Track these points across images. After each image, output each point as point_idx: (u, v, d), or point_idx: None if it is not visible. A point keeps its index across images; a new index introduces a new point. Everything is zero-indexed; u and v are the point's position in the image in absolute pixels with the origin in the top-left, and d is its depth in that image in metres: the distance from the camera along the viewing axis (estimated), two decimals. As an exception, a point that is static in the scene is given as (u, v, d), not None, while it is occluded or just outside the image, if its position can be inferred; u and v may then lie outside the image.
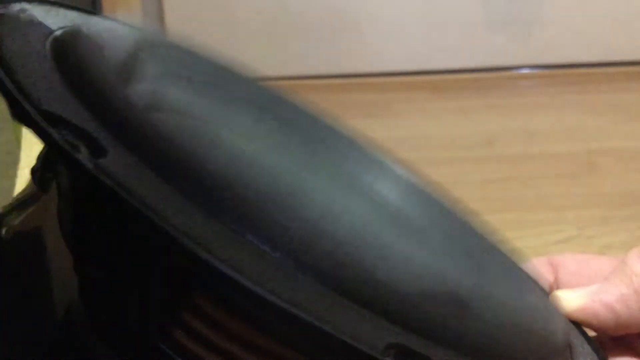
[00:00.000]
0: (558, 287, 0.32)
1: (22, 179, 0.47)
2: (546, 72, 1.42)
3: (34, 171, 0.25)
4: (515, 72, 1.42)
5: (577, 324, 0.30)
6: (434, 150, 1.09)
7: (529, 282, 0.31)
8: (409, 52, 1.41)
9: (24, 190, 0.27)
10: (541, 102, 1.29)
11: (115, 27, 0.26)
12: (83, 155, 0.19)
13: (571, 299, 0.30)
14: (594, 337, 0.31)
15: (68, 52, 0.22)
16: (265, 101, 0.31)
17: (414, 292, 0.22)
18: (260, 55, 1.38)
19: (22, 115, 0.19)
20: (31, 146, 0.40)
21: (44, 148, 0.25)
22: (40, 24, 0.23)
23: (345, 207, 0.27)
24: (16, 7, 0.23)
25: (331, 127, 0.33)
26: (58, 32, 0.24)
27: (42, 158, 0.25)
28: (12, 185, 0.47)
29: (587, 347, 0.29)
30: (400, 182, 0.32)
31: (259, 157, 0.25)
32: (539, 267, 0.33)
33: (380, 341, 0.19)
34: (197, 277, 0.19)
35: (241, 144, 0.25)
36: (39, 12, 0.24)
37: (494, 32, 1.42)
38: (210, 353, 0.20)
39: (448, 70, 1.41)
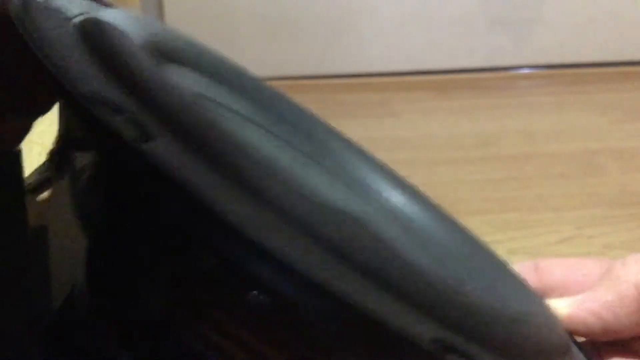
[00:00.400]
0: (544, 293, 0.32)
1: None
2: (546, 72, 1.42)
3: (52, 154, 0.25)
4: (515, 72, 1.42)
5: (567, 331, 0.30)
6: (434, 150, 1.09)
7: (526, 286, 0.31)
8: (409, 52, 1.41)
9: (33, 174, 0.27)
10: (541, 102, 1.29)
11: (130, 16, 0.26)
12: (133, 138, 0.18)
13: (558, 308, 0.30)
14: (587, 340, 0.31)
15: (95, 37, 0.22)
16: (268, 100, 0.31)
17: (452, 289, 0.22)
18: (259, 55, 1.38)
19: (66, 98, 0.19)
20: (31, 146, 0.40)
21: (61, 131, 0.24)
22: (58, 10, 0.23)
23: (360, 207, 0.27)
24: None
25: (331, 132, 0.34)
26: (80, 18, 0.23)
27: (61, 141, 0.25)
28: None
29: (579, 354, 0.29)
30: (404, 190, 0.33)
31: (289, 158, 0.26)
32: (524, 272, 0.33)
33: (425, 335, 0.19)
34: (247, 269, 0.19)
35: (269, 143, 0.25)
36: None
37: (494, 32, 1.42)
38: (240, 351, 0.20)
39: (448, 70, 1.41)
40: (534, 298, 0.29)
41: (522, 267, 0.33)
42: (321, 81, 1.37)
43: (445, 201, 0.34)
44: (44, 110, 0.24)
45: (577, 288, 0.31)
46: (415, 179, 0.34)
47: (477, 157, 1.06)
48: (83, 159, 0.26)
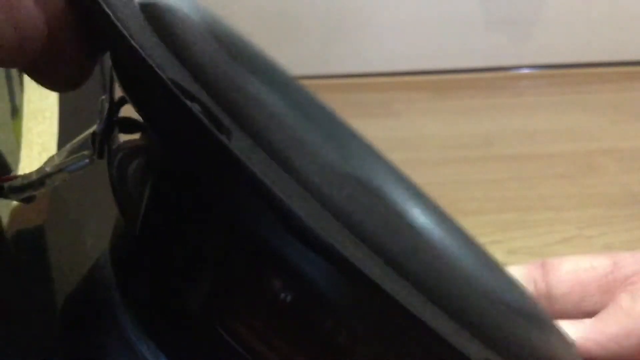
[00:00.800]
0: (549, 292, 0.32)
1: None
2: (546, 72, 1.42)
3: (95, 134, 0.24)
4: (515, 72, 1.43)
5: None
6: (434, 150, 1.09)
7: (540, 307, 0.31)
8: (408, 52, 1.41)
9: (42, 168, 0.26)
10: (541, 102, 1.29)
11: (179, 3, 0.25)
12: (208, 127, 0.18)
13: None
14: None
15: (161, 23, 0.21)
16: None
17: (496, 310, 0.21)
18: (260, 55, 1.38)
19: (151, 81, 0.18)
20: (31, 146, 0.40)
21: (109, 110, 0.24)
22: None
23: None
24: None
25: (347, 127, 0.34)
26: (140, 1, 0.22)
27: (107, 121, 0.24)
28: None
29: None
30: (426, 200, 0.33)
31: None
32: (531, 270, 0.33)
33: (477, 355, 0.19)
34: (315, 272, 0.18)
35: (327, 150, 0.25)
36: None
37: (494, 32, 1.42)
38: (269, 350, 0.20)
39: (448, 70, 1.41)
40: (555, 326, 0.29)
41: (529, 266, 0.33)
42: (321, 81, 1.37)
43: (445, 201, 0.34)
44: (98, 56, 0.24)
45: (582, 290, 0.31)
46: (415, 179, 0.34)
47: (477, 157, 1.06)
48: (119, 140, 0.25)
